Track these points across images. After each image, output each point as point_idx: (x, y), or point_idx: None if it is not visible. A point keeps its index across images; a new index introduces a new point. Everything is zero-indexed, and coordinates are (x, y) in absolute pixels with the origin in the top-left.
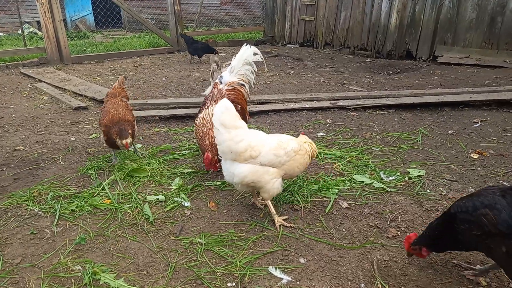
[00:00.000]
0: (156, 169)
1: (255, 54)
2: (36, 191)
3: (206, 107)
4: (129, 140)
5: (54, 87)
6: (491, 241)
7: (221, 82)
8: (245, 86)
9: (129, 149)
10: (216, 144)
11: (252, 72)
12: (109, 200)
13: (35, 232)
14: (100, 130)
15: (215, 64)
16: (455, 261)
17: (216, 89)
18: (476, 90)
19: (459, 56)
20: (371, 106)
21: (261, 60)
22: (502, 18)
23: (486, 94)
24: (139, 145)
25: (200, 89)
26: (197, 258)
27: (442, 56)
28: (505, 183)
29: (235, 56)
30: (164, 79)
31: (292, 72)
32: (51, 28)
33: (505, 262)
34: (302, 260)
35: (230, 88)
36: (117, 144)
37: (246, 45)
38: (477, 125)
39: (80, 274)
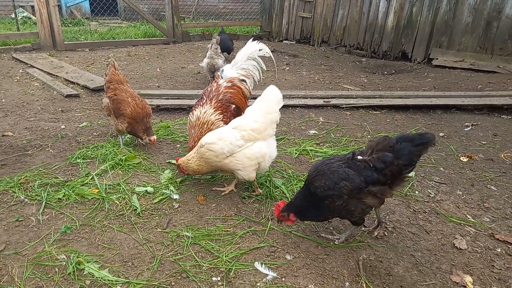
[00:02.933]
0: (146, 158)
1: (260, 49)
2: (23, 178)
3: (201, 104)
4: (155, 136)
5: (46, 74)
6: (350, 204)
7: (221, 77)
8: (245, 82)
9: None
10: None
11: (256, 68)
12: (97, 190)
13: (20, 219)
14: (121, 120)
15: (215, 40)
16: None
17: (215, 84)
18: (469, 94)
19: (454, 60)
20: (364, 105)
21: (268, 55)
22: (498, 23)
23: (478, 99)
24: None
25: (194, 81)
26: (183, 251)
27: (437, 58)
28: (493, 188)
29: (240, 50)
30: (158, 70)
31: (287, 68)
32: (45, 13)
33: (360, 214)
34: (288, 257)
35: (229, 85)
36: (143, 140)
37: (253, 40)
38: (468, 129)
39: (64, 263)
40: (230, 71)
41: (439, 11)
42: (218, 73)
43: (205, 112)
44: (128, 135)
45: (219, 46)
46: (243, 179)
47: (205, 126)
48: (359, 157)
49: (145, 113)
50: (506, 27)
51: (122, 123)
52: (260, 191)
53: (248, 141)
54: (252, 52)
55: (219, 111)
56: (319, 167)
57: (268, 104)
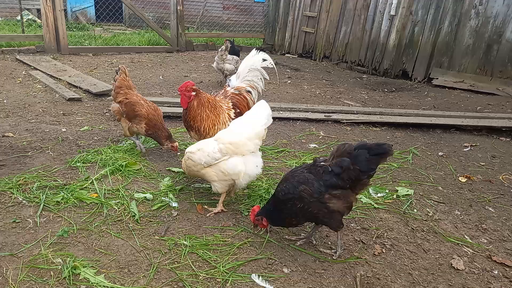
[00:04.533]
0: (147, 165)
1: (264, 60)
2: (22, 179)
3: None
4: (177, 143)
5: (49, 76)
6: (313, 208)
7: (229, 85)
8: (251, 93)
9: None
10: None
11: (260, 78)
12: (96, 195)
13: (17, 220)
14: (136, 122)
15: (224, 46)
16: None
17: (223, 90)
18: (468, 115)
19: (454, 80)
20: (365, 122)
21: (271, 66)
22: (498, 46)
23: (478, 120)
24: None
25: None
26: (180, 260)
27: (437, 78)
28: (491, 209)
29: (243, 60)
30: (161, 77)
31: (289, 82)
32: (51, 17)
33: (327, 218)
34: (285, 270)
35: (237, 92)
36: (165, 146)
37: (256, 50)
38: (467, 149)
39: (60, 267)
40: (236, 81)
41: (441, 32)
42: (226, 83)
43: (216, 98)
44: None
45: (225, 52)
46: (216, 191)
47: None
48: (322, 163)
49: (158, 114)
50: (506, 51)
51: (139, 123)
52: (223, 209)
53: (225, 154)
54: (253, 63)
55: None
56: (286, 174)
57: (253, 119)
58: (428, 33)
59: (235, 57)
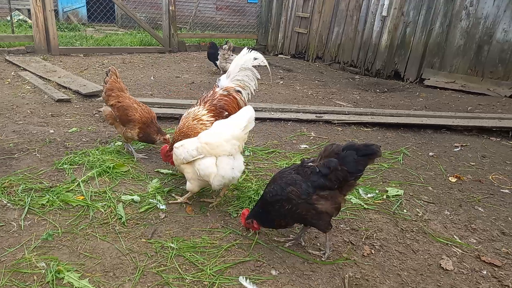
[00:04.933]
0: (135, 167)
1: (255, 58)
2: (7, 182)
3: (195, 105)
4: (168, 135)
5: (38, 77)
6: (301, 209)
7: (218, 86)
8: (241, 93)
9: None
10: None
11: (252, 78)
12: (82, 197)
13: (1, 224)
14: (130, 127)
15: (227, 46)
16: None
17: (212, 91)
18: (459, 115)
19: (445, 81)
20: (356, 122)
21: (264, 64)
22: (489, 47)
23: (468, 120)
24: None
25: (188, 91)
26: (167, 263)
27: (429, 79)
28: (480, 209)
29: (234, 60)
30: (152, 78)
31: (281, 82)
32: (41, 17)
33: (315, 219)
34: (274, 272)
35: (225, 93)
36: (156, 141)
37: (247, 49)
38: (457, 149)
39: (43, 271)
40: (225, 81)
41: (432, 32)
42: (216, 83)
43: (197, 111)
44: (139, 143)
45: (227, 52)
46: (188, 189)
47: (193, 120)
48: (309, 164)
49: (152, 116)
50: (497, 51)
51: (132, 129)
52: (181, 200)
53: (201, 153)
54: (245, 61)
55: (211, 114)
56: (275, 175)
57: (234, 121)
58: (419, 34)
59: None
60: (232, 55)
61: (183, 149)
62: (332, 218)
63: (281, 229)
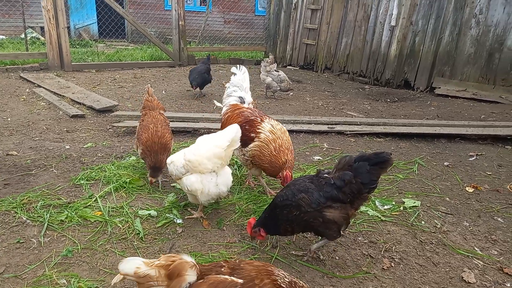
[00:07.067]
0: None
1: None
2: (26, 198)
3: (260, 121)
4: (155, 180)
5: (53, 93)
6: (309, 217)
7: (243, 102)
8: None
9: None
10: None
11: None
12: (100, 212)
13: (21, 241)
14: (138, 144)
15: (268, 59)
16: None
17: (251, 105)
18: (472, 124)
19: (456, 89)
20: (369, 133)
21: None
22: (500, 55)
23: (482, 129)
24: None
25: (199, 104)
26: None
27: (440, 88)
28: (499, 219)
29: (244, 78)
30: (163, 92)
31: (291, 94)
32: (54, 35)
33: (323, 228)
34: None
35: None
36: (147, 175)
37: (239, 69)
38: (473, 158)
39: None
40: (248, 97)
41: (442, 41)
42: (236, 102)
43: (277, 125)
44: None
45: (267, 65)
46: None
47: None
48: (325, 175)
49: (161, 144)
50: (508, 59)
51: (138, 147)
52: (197, 215)
53: (187, 171)
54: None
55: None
56: (289, 182)
57: (216, 139)
58: (429, 42)
59: (281, 73)
60: (274, 69)
61: (173, 165)
62: (341, 230)
63: (297, 242)
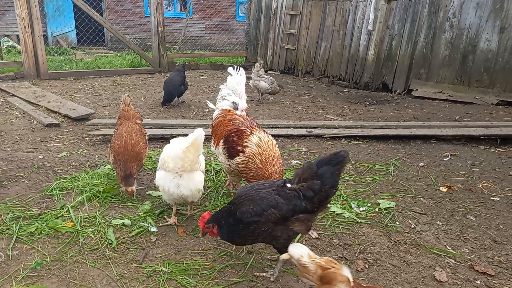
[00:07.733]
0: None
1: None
2: None
3: (249, 133)
4: (134, 187)
5: (28, 103)
6: (276, 231)
7: (236, 109)
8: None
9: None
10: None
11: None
12: (72, 223)
13: None
14: (110, 152)
15: (258, 63)
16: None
17: (244, 113)
18: (448, 124)
19: (433, 91)
20: (346, 135)
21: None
22: (473, 57)
23: (457, 129)
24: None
25: (178, 111)
26: (158, 287)
27: (417, 90)
28: (472, 218)
29: (239, 82)
30: (142, 99)
31: (271, 98)
32: (30, 43)
33: (286, 240)
34: None
35: (245, 114)
36: (120, 188)
37: (236, 70)
38: (447, 158)
39: None
40: (242, 102)
41: (417, 44)
42: (229, 107)
43: (265, 138)
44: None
45: (261, 69)
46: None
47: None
48: (289, 185)
49: (134, 152)
50: (481, 61)
51: (110, 155)
52: (171, 221)
53: (160, 166)
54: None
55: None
56: (248, 191)
57: (182, 141)
58: (405, 46)
59: (270, 76)
60: (264, 73)
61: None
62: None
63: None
